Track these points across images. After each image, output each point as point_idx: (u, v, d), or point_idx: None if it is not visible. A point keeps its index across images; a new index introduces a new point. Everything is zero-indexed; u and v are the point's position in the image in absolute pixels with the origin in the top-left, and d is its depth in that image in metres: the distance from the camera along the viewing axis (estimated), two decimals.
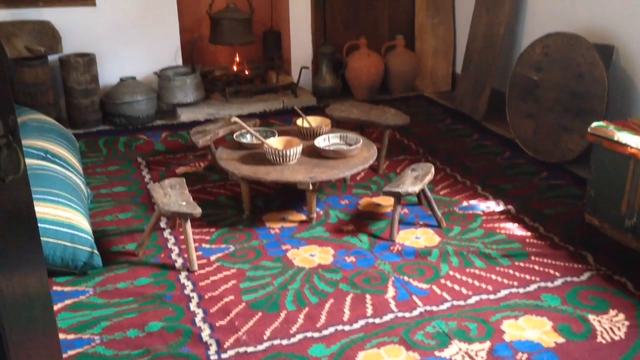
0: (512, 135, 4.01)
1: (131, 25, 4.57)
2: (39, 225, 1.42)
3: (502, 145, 4.07)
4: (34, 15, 4.25)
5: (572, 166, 3.65)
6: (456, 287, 2.58)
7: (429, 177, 3.07)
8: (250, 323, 2.38)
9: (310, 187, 3.00)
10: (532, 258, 2.79)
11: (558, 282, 2.61)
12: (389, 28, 5.24)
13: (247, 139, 3.31)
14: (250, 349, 2.24)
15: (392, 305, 2.47)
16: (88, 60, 4.31)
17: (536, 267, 2.72)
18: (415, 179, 3.02)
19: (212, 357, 2.20)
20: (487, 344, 2.25)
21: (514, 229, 3.05)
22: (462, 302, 2.48)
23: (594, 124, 2.90)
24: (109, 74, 4.54)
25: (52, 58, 4.32)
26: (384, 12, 5.20)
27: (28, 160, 2.61)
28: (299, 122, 3.47)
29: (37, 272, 1.35)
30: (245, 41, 4.84)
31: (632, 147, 2.67)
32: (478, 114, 4.48)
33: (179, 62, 4.80)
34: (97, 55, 4.44)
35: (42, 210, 2.63)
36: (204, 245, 2.92)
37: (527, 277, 2.65)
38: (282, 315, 2.42)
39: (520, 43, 4.35)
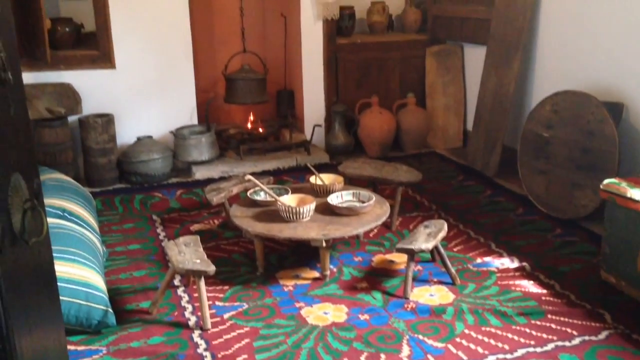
0: (524, 192, 4.02)
1: (149, 86, 4.70)
2: None
3: (515, 201, 4.07)
4: (55, 78, 4.40)
5: (586, 222, 3.64)
6: (472, 346, 2.55)
7: (442, 233, 3.07)
8: None
9: (324, 244, 3.01)
10: (549, 316, 2.75)
11: (576, 341, 2.57)
12: (400, 86, 5.34)
13: (261, 197, 3.35)
14: None
15: None
16: (106, 121, 4.42)
17: (553, 326, 2.68)
18: (429, 236, 3.03)
19: None
20: None
21: (529, 286, 3.02)
22: None
23: (606, 181, 2.91)
24: (126, 133, 4.65)
25: (72, 119, 4.44)
26: (395, 71, 5.31)
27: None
28: (312, 179, 3.51)
29: (56, 331, 1.36)
30: (259, 100, 4.96)
31: None
32: (490, 170, 4.51)
33: (195, 121, 4.90)
34: (115, 115, 4.56)
35: (59, 268, 2.64)
36: (217, 303, 2.92)
37: (544, 335, 2.61)
38: None
39: (530, 100, 4.41)
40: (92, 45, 4.62)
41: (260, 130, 5.13)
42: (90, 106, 4.51)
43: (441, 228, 3.10)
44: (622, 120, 3.62)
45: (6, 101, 1.08)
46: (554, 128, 3.81)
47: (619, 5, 3.66)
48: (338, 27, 5.18)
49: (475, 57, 5.00)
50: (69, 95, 4.34)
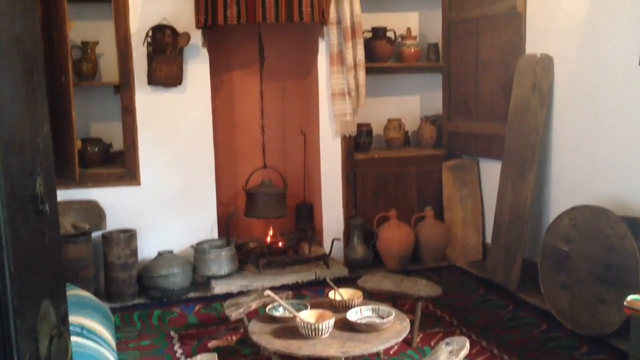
0: (548, 307, 3.95)
1: (172, 202, 4.83)
2: None
3: (539, 317, 3.99)
4: (81, 195, 4.55)
5: (612, 339, 3.54)
6: None
7: (464, 351, 3.00)
8: None
9: None
10: None
11: None
12: (418, 200, 5.42)
13: (280, 312, 3.33)
14: None
15: None
16: (129, 236, 4.51)
17: None
18: (450, 354, 2.95)
19: None
20: None
21: None
22: None
23: (630, 297, 2.86)
24: (147, 248, 4.72)
25: (96, 234, 4.53)
26: (413, 185, 5.41)
27: None
28: (331, 294, 3.50)
29: None
30: (278, 215, 5.04)
31: None
32: (511, 284, 4.46)
33: (215, 235, 4.97)
34: (138, 230, 4.65)
35: None
36: None
37: None
38: None
39: (548, 214, 4.44)
40: (120, 163, 4.81)
41: (280, 244, 5.18)
42: (114, 221, 4.62)
43: (463, 345, 3.03)
44: None
45: (41, 231, 1.14)
46: (573, 242, 3.81)
47: (631, 119, 3.76)
48: (356, 143, 5.34)
49: (491, 171, 5.09)
50: (94, 212, 4.46)
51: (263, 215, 5.04)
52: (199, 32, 4.74)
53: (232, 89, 5.41)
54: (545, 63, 4.38)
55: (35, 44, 1.28)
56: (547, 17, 4.39)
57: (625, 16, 3.72)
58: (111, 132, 4.94)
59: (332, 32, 4.99)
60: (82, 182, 4.53)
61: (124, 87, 4.67)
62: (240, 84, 5.41)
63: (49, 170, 1.19)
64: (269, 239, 5.25)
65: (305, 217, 5.43)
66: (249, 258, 4.98)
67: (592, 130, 4.06)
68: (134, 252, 4.55)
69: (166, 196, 4.81)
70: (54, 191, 1.25)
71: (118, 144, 4.90)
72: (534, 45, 4.52)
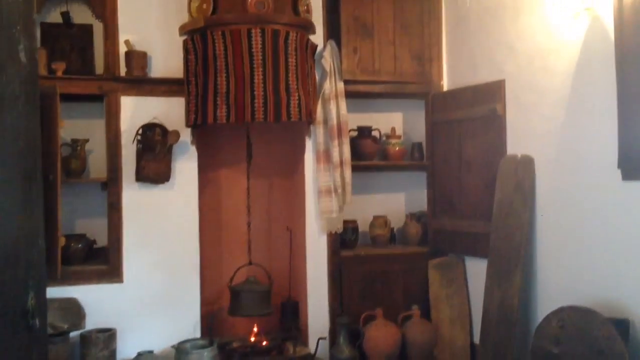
0: None
1: (155, 300, 4.73)
2: None
3: None
4: (62, 293, 4.44)
5: None
6: None
7: None
8: None
9: None
10: None
11: None
12: (404, 298, 5.36)
13: None
14: None
15: None
16: (109, 336, 4.38)
17: None
18: None
19: None
20: None
21: None
22: None
23: None
24: (127, 349, 4.57)
25: (74, 334, 4.39)
26: (399, 282, 5.37)
27: None
28: None
29: None
30: (263, 313, 4.94)
31: None
32: None
33: (198, 334, 4.85)
34: (119, 329, 4.53)
35: None
36: None
37: None
38: None
39: (536, 314, 4.40)
40: (103, 259, 4.74)
41: (264, 343, 5.04)
42: (94, 320, 4.50)
43: None
44: (629, 336, 3.58)
45: (30, 347, 1.11)
46: (562, 344, 3.76)
47: (613, 221, 3.83)
48: (342, 240, 5.35)
49: (477, 270, 5.09)
50: (74, 310, 4.35)
51: (247, 314, 4.94)
52: (189, 130, 4.83)
53: (219, 185, 5.45)
54: (527, 164, 4.49)
55: (35, 159, 1.30)
56: (526, 121, 4.55)
57: (603, 120, 3.86)
58: (97, 228, 4.90)
59: (319, 131, 5.11)
60: (64, 280, 4.44)
61: (112, 184, 4.68)
62: (227, 181, 5.45)
63: (42, 284, 1.18)
64: (252, 338, 5.12)
65: (290, 315, 5.32)
66: (232, 358, 4.83)
67: (575, 231, 4.11)
68: (113, 353, 4.40)
69: (149, 294, 4.72)
70: (44, 305, 1.23)
71: (102, 240, 4.85)
72: (515, 146, 4.65)
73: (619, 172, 3.74)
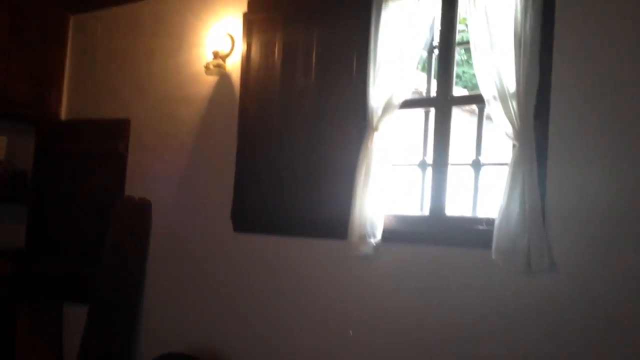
0: None
1: None
2: None
3: None
4: None
5: None
6: None
7: None
8: None
9: None
10: None
11: None
12: None
13: None
14: None
15: None
16: None
17: None
18: None
19: None
20: None
21: None
22: None
23: None
24: None
25: None
26: None
27: None
28: None
29: None
30: None
31: None
32: None
33: None
34: None
35: None
36: None
37: None
38: None
39: None
40: None
41: None
42: None
43: None
44: None
45: None
46: None
47: (225, 269, 4.00)
48: None
49: (77, 316, 4.59)
50: None
51: None
52: None
53: None
54: (143, 207, 4.41)
55: None
56: (148, 163, 4.48)
57: (222, 171, 4.04)
58: None
59: None
60: None
61: None
62: None
63: None
64: None
65: None
66: None
67: (187, 277, 4.16)
68: None
69: None
70: None
71: None
72: (133, 188, 4.52)
73: (231, 223, 3.96)
